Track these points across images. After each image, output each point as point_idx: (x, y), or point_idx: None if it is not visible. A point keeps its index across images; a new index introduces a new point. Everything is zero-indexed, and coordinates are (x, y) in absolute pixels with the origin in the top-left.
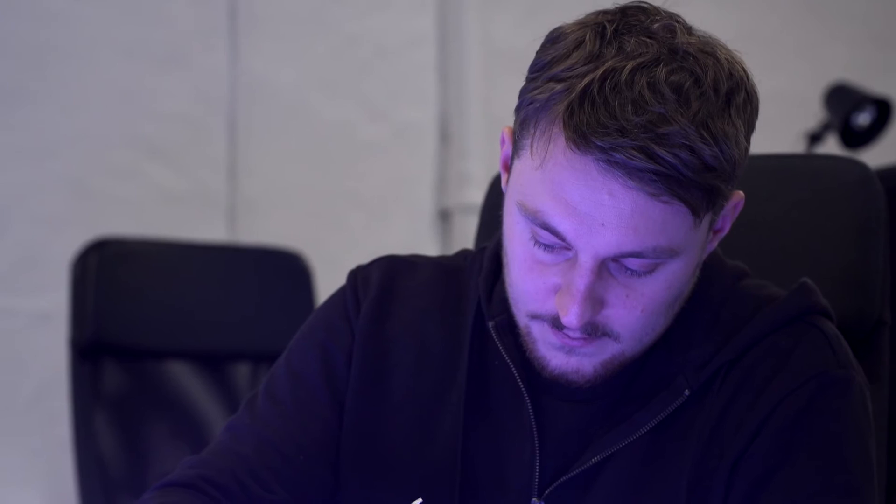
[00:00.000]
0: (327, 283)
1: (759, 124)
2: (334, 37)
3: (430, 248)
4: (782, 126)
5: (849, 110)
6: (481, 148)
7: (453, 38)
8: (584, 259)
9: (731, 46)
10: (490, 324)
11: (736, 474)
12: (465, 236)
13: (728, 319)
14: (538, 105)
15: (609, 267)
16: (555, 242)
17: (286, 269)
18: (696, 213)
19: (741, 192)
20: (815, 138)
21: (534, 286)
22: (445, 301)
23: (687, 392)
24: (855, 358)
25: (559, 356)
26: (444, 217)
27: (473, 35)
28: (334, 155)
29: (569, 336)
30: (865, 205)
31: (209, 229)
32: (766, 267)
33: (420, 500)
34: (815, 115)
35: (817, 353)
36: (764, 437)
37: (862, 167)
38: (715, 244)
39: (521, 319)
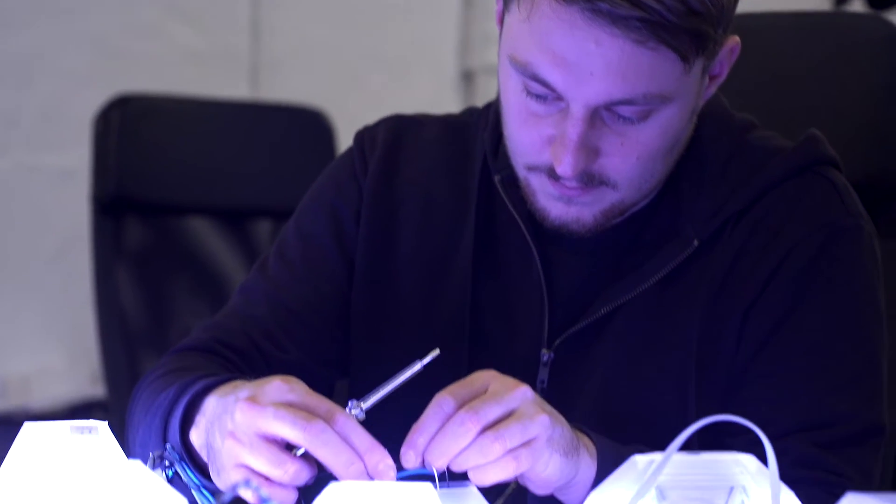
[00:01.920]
0: (348, 142)
1: None
2: None
3: (452, 109)
4: None
5: None
6: None
7: None
8: (576, 109)
9: None
10: (496, 178)
11: (747, 323)
12: (487, 97)
13: (736, 170)
14: None
15: (602, 115)
16: (546, 93)
17: (309, 126)
18: (685, 58)
19: (737, 38)
20: None
21: (529, 137)
22: (452, 157)
23: (696, 242)
24: (864, 208)
25: (558, 206)
26: (468, 78)
27: None
28: (358, 14)
29: (566, 186)
30: (891, 62)
31: (232, 88)
32: (790, 124)
33: (437, 350)
34: None
35: (827, 202)
36: (775, 286)
37: (888, 25)
38: (713, 90)
39: (520, 172)
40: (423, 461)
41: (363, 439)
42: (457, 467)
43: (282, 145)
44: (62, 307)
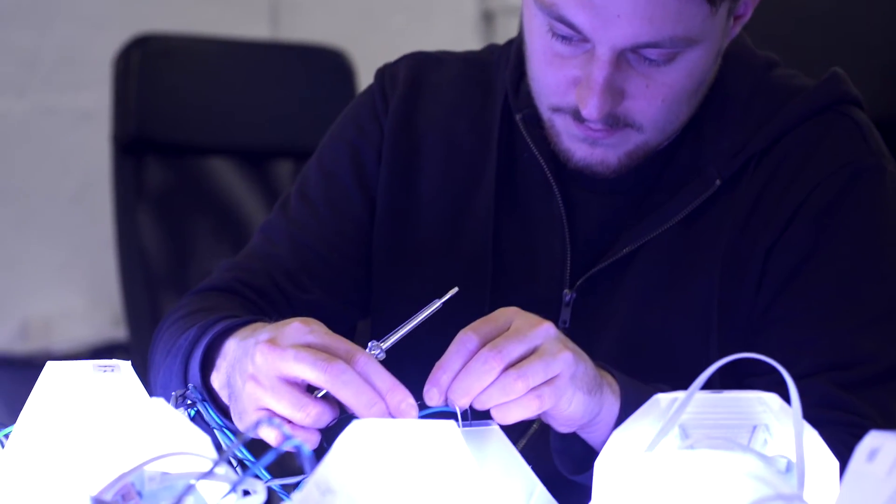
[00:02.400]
0: (369, 83)
1: None
2: None
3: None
4: None
5: None
6: None
7: None
8: (602, 51)
9: None
10: (517, 116)
11: (769, 262)
12: (507, 38)
13: (759, 109)
14: None
15: (628, 58)
16: (572, 35)
17: (329, 66)
18: (711, 1)
19: None
20: None
21: (554, 79)
22: (473, 95)
23: (718, 182)
24: (887, 147)
25: (583, 148)
26: (488, 18)
27: None
28: None
29: (591, 128)
30: None
31: (252, 27)
32: (813, 62)
33: (456, 288)
34: None
35: (849, 141)
36: (797, 225)
37: None
38: (737, 30)
39: (544, 112)
40: (446, 399)
41: (384, 379)
42: (479, 406)
43: (302, 85)
44: (83, 249)
